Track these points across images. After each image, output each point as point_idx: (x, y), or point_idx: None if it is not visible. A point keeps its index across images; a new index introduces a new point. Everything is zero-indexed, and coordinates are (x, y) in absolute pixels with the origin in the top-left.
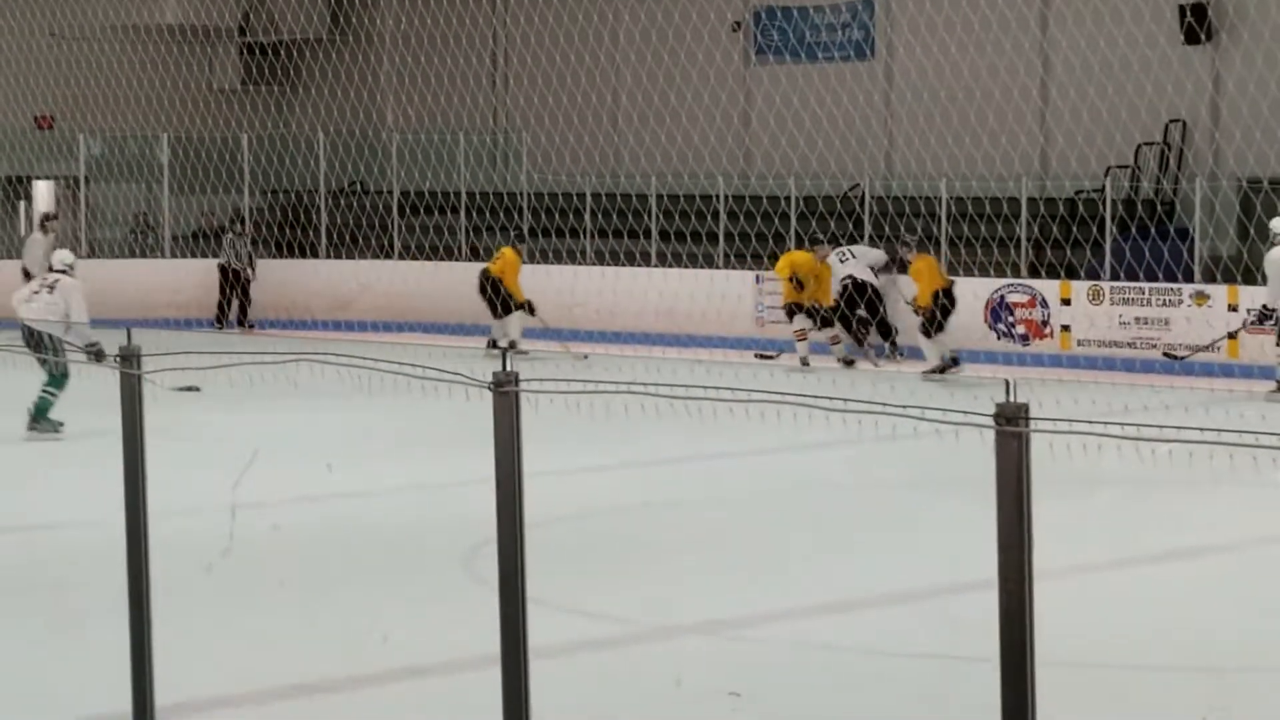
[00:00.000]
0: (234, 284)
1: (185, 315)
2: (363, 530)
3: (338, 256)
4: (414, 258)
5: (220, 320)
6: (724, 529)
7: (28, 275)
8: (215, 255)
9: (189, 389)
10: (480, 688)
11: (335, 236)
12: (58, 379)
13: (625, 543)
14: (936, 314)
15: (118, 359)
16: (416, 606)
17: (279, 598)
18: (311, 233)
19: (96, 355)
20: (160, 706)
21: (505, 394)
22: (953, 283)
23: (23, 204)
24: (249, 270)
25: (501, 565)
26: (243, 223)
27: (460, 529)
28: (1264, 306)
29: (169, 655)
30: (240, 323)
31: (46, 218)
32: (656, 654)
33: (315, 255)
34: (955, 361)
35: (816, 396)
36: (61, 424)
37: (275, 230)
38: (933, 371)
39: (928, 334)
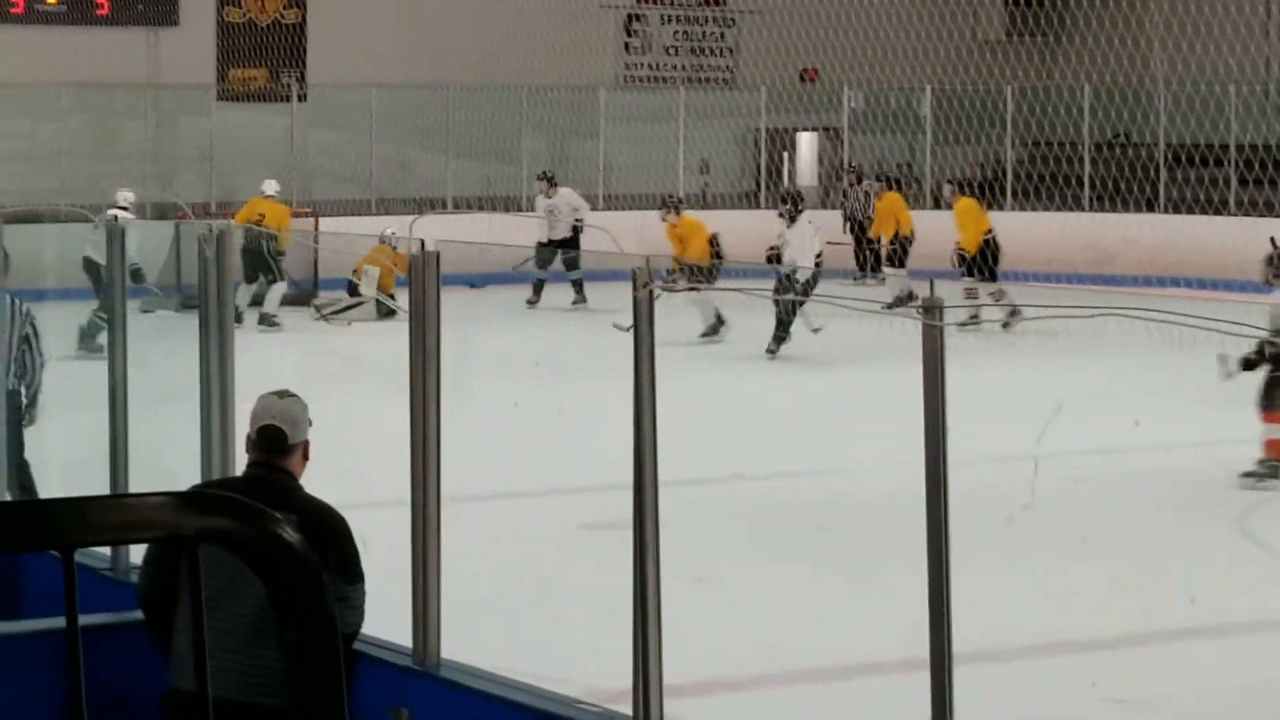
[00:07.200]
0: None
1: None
2: (1156, 483)
3: (1101, 209)
4: (1180, 212)
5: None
6: None
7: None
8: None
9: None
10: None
11: (1099, 187)
12: None
13: None
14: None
15: (919, 309)
16: (1204, 566)
17: (1078, 552)
18: (1074, 184)
19: None
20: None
21: None
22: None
23: (786, 154)
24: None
25: None
26: (853, 170)
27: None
28: None
29: (961, 605)
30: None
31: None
32: None
33: (1078, 208)
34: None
35: None
36: None
37: (1036, 181)
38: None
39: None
